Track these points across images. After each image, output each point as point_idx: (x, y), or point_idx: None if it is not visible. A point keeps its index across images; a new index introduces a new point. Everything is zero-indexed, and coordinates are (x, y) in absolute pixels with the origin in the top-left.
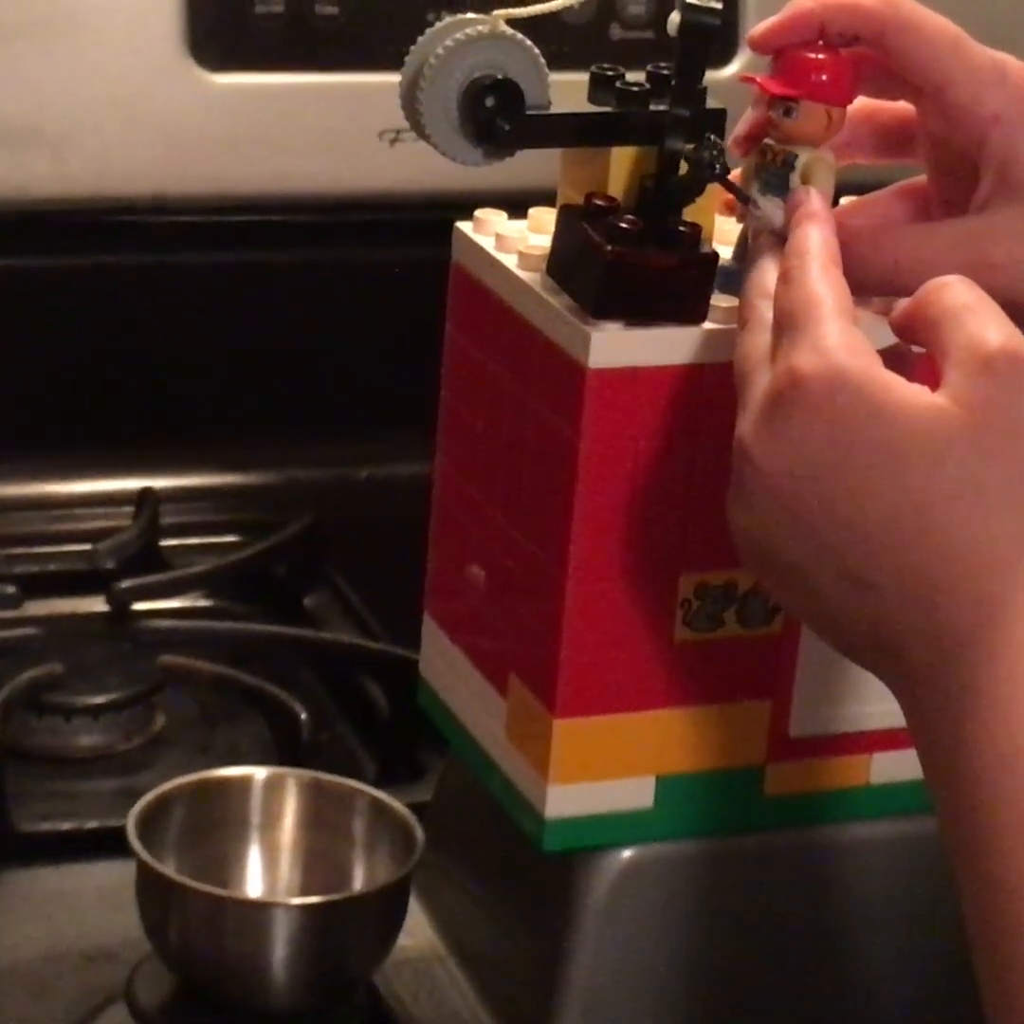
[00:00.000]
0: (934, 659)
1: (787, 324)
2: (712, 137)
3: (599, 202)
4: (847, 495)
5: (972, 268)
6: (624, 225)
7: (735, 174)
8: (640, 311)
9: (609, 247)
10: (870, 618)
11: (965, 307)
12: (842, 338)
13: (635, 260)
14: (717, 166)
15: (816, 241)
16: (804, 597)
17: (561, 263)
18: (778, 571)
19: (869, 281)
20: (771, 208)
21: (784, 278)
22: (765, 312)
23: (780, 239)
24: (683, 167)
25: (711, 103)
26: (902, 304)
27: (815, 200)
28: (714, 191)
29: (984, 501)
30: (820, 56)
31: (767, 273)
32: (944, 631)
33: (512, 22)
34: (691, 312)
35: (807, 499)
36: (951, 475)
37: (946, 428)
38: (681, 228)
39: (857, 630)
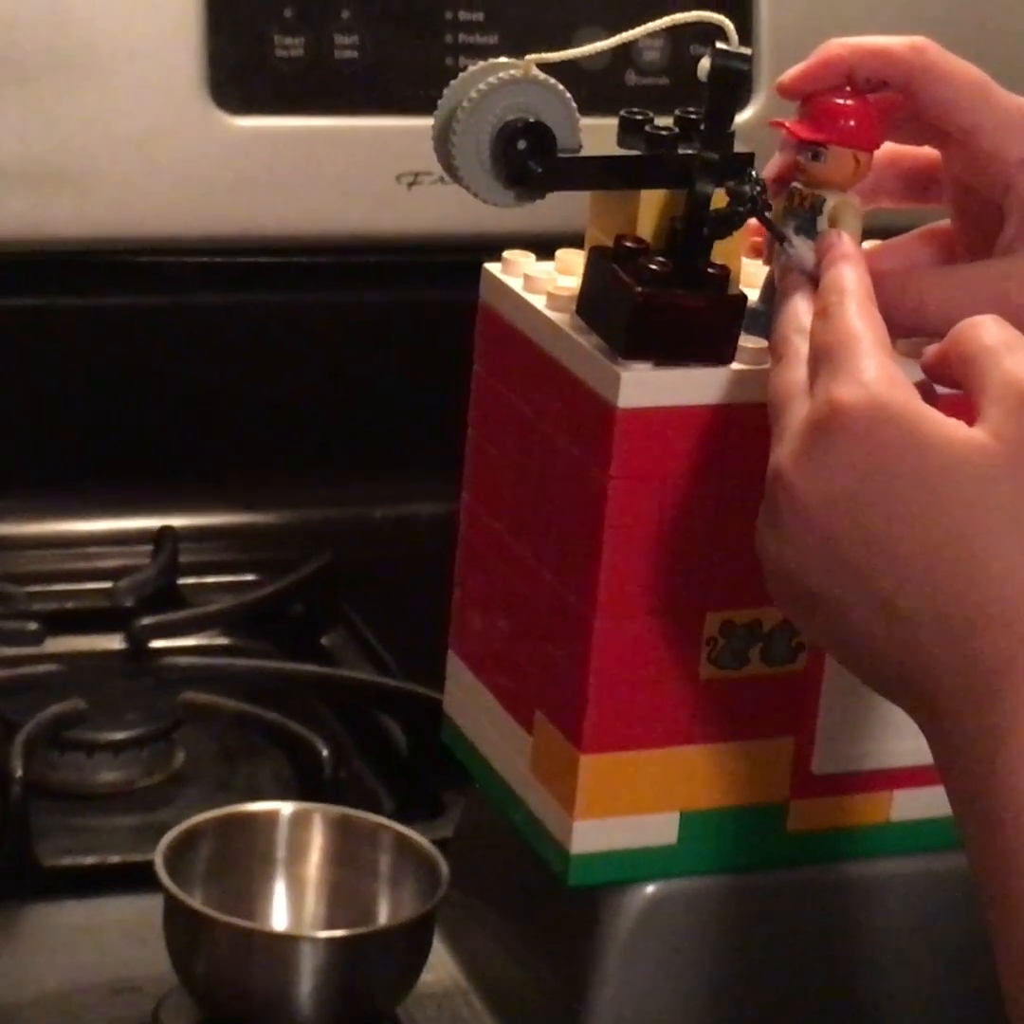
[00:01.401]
0: (967, 690)
1: (826, 357)
2: (754, 173)
3: (629, 244)
4: (885, 524)
5: (998, 309)
6: (654, 267)
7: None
8: (669, 351)
9: (639, 288)
10: (901, 649)
11: (1002, 344)
12: (882, 371)
13: (665, 301)
14: (758, 201)
15: (852, 279)
16: (833, 627)
17: (591, 304)
18: (808, 601)
19: (896, 322)
20: (804, 249)
21: (822, 314)
22: (800, 346)
23: (810, 279)
24: (718, 200)
25: (738, 147)
26: (933, 346)
27: (847, 242)
28: (741, 234)
29: (1022, 534)
30: (848, 102)
31: (801, 309)
32: (978, 662)
33: (540, 66)
34: (719, 353)
35: (844, 527)
36: (990, 507)
37: (986, 462)
38: (710, 270)
39: (887, 661)
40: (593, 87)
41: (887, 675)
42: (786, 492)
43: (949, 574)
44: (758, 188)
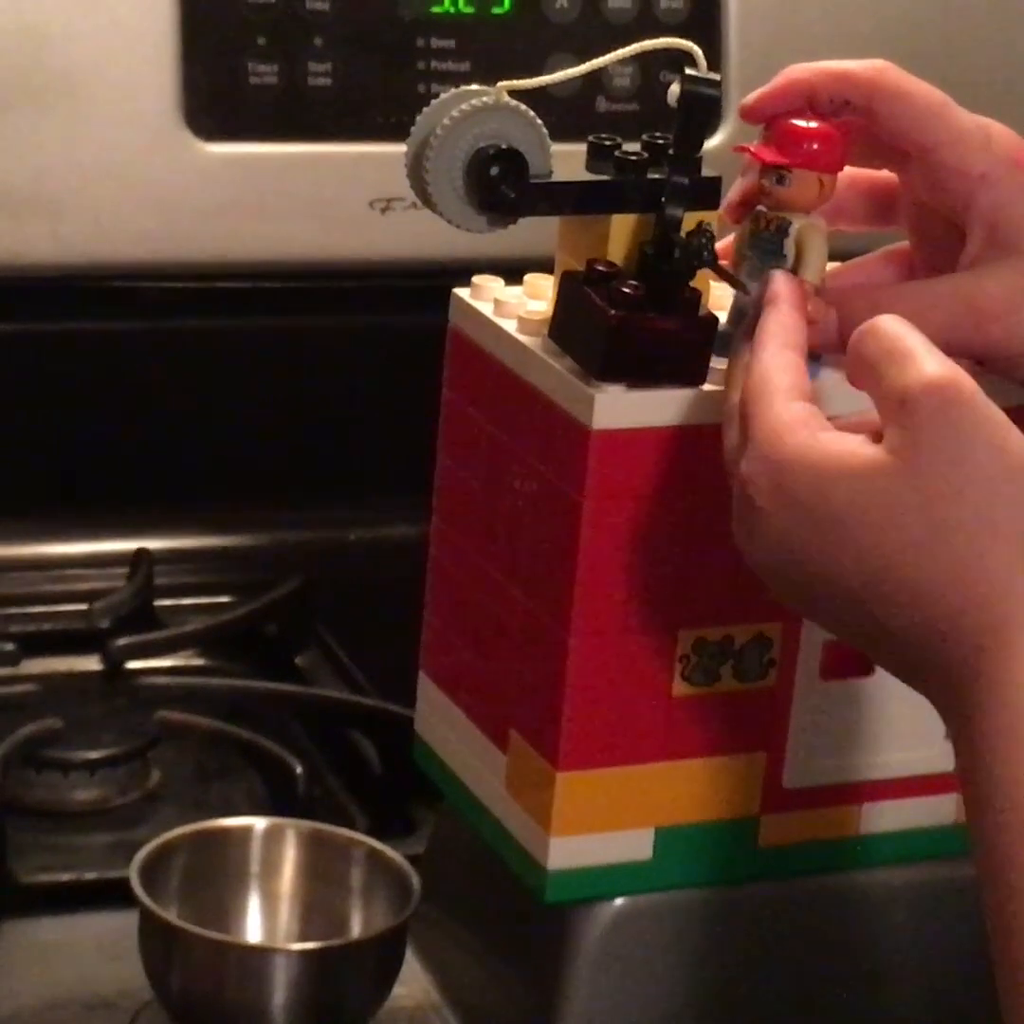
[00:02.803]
0: (947, 694)
1: (742, 416)
2: (705, 225)
3: (601, 268)
4: (827, 567)
5: (966, 322)
6: (626, 290)
7: (728, 241)
8: (642, 373)
9: (612, 312)
10: (900, 659)
11: (888, 352)
12: (778, 424)
13: (638, 324)
14: (706, 253)
15: (772, 327)
16: (849, 641)
17: (564, 327)
18: (820, 624)
19: None
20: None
21: (747, 370)
22: (736, 402)
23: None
24: (689, 224)
25: (706, 172)
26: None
27: (778, 282)
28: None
29: (947, 540)
30: (811, 125)
31: (743, 361)
32: (949, 669)
33: (511, 93)
34: (691, 374)
35: (800, 578)
36: (907, 522)
37: (888, 480)
38: (681, 293)
39: (897, 665)
40: (564, 114)
41: (903, 673)
42: (748, 557)
43: (894, 596)
44: (705, 239)
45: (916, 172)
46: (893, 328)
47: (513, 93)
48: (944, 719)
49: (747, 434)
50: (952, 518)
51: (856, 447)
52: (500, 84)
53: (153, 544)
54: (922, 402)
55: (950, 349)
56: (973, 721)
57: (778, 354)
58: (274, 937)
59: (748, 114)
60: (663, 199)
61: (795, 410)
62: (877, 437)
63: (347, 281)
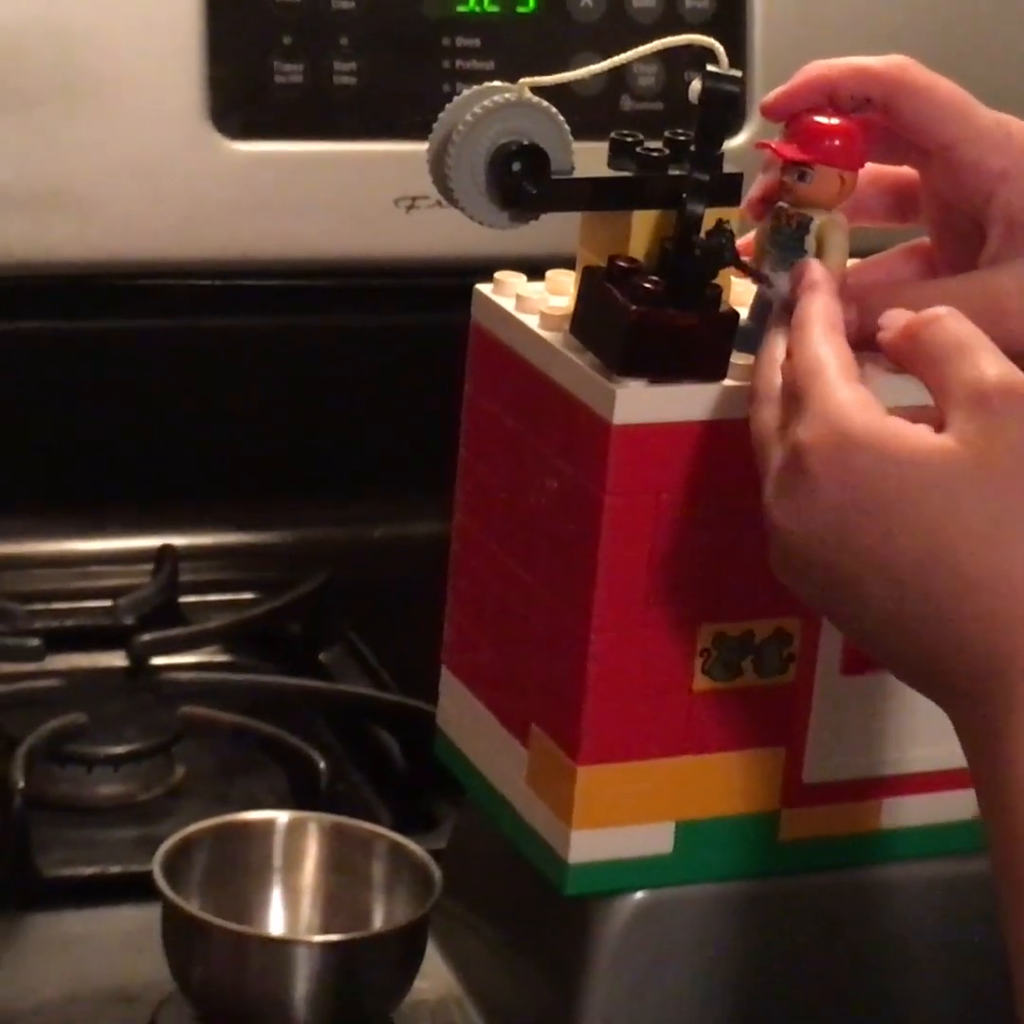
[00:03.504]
0: (973, 687)
1: (791, 396)
2: (725, 223)
3: (622, 264)
4: (874, 548)
5: (987, 318)
6: (648, 286)
7: (750, 237)
8: (663, 369)
9: (634, 307)
10: (919, 655)
11: (958, 345)
12: (843, 399)
13: (659, 320)
14: (727, 253)
15: (816, 309)
16: (864, 639)
17: (585, 323)
18: (837, 619)
19: None
20: (783, 283)
21: (790, 352)
22: (774, 381)
23: (791, 311)
24: (709, 221)
25: (728, 168)
26: (893, 324)
27: (816, 270)
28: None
29: (1003, 533)
30: (833, 122)
31: (776, 345)
32: (980, 660)
33: (534, 90)
34: (712, 369)
35: (839, 559)
36: (969, 512)
37: (956, 469)
38: (702, 289)
39: (911, 667)
40: (588, 112)
41: (916, 678)
42: (778, 535)
43: (944, 584)
44: (725, 239)
45: (936, 169)
46: (960, 322)
47: (537, 90)
48: (966, 731)
49: (803, 407)
50: (1018, 514)
51: (923, 432)
52: (522, 81)
53: (178, 541)
54: (996, 397)
55: None
56: (1011, 726)
57: (829, 335)
58: (296, 930)
59: (768, 112)
60: (684, 195)
61: (859, 390)
62: (938, 427)
63: (372, 279)
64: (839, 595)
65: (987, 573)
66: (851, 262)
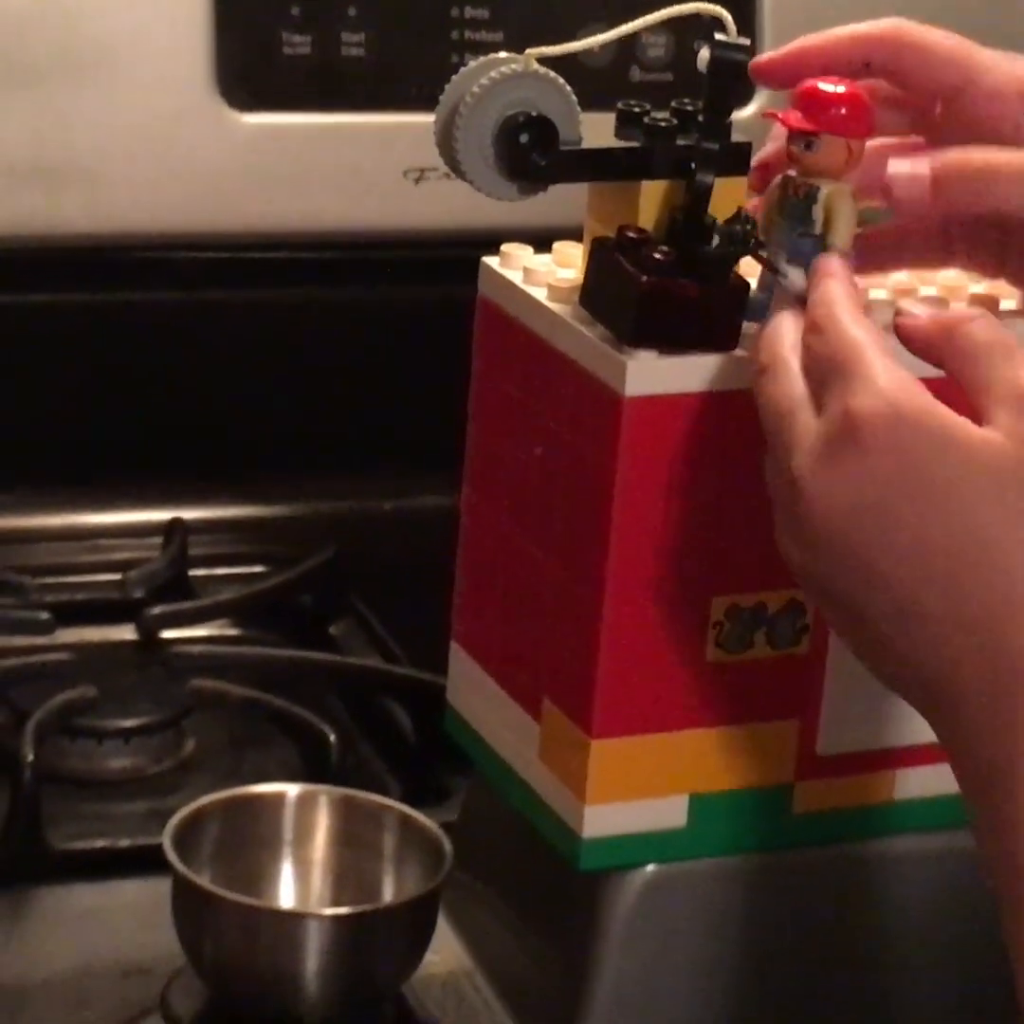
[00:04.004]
0: (986, 683)
1: (831, 368)
2: (745, 211)
3: (631, 234)
4: (909, 527)
5: None
6: (658, 256)
7: (756, 203)
8: (673, 339)
9: (644, 277)
10: (924, 649)
11: (1000, 344)
12: (893, 377)
13: (669, 289)
14: (750, 241)
15: (841, 292)
16: (856, 626)
17: (594, 293)
18: (833, 599)
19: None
20: (796, 276)
21: (814, 328)
22: (790, 359)
23: (800, 303)
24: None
25: (736, 138)
26: (913, 320)
27: (834, 262)
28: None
29: None
30: (839, 89)
31: (787, 326)
32: (1001, 656)
33: (541, 61)
34: (723, 339)
35: (870, 536)
36: (1011, 506)
37: (1003, 463)
38: (712, 259)
39: (906, 662)
40: (597, 83)
41: (905, 676)
42: (808, 505)
43: (972, 575)
44: (749, 226)
45: (953, 118)
46: (997, 325)
47: (544, 61)
48: (952, 717)
49: (850, 378)
50: None
51: (969, 424)
52: (529, 51)
53: (187, 514)
54: None
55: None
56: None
57: (859, 318)
58: (306, 903)
59: (758, 73)
60: (693, 164)
61: (907, 374)
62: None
63: (380, 251)
64: (859, 577)
65: (1013, 569)
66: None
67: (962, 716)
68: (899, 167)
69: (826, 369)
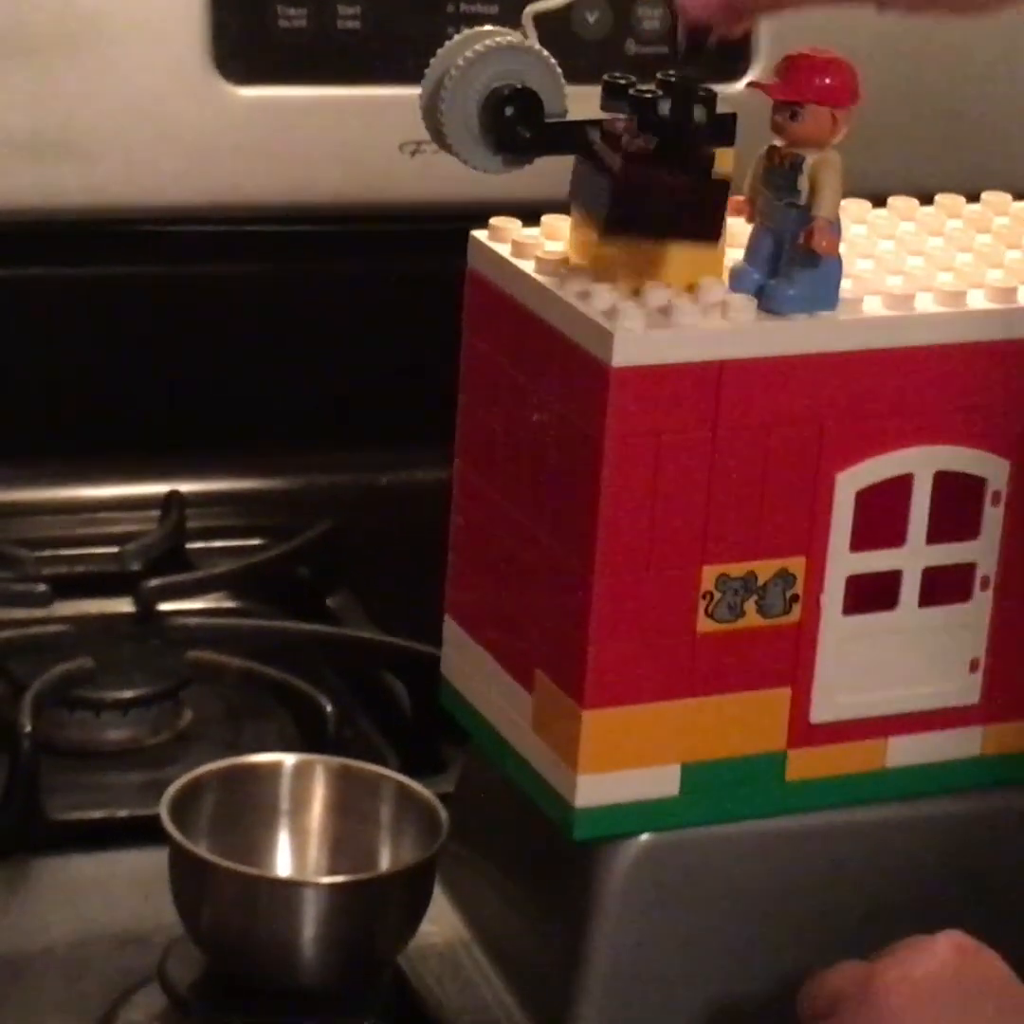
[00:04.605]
0: None
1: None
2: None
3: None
4: None
5: None
6: (639, 142)
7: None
8: (649, 228)
9: (621, 165)
10: None
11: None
12: None
13: (647, 177)
14: (734, 133)
15: None
16: None
17: (578, 184)
18: None
19: None
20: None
21: None
22: None
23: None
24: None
25: (722, 109)
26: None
27: None
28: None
29: None
30: (823, 59)
31: None
32: None
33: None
34: (705, 231)
35: None
36: None
37: None
38: (694, 153)
39: None
40: (593, 56)
41: None
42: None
43: None
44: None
45: None
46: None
47: (541, 33)
48: None
49: None
50: None
51: None
52: (527, 9)
53: (185, 487)
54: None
55: None
56: None
57: None
58: (304, 872)
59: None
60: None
61: None
62: None
63: (376, 224)
64: None
65: None
66: (847, 201)
67: None
68: None
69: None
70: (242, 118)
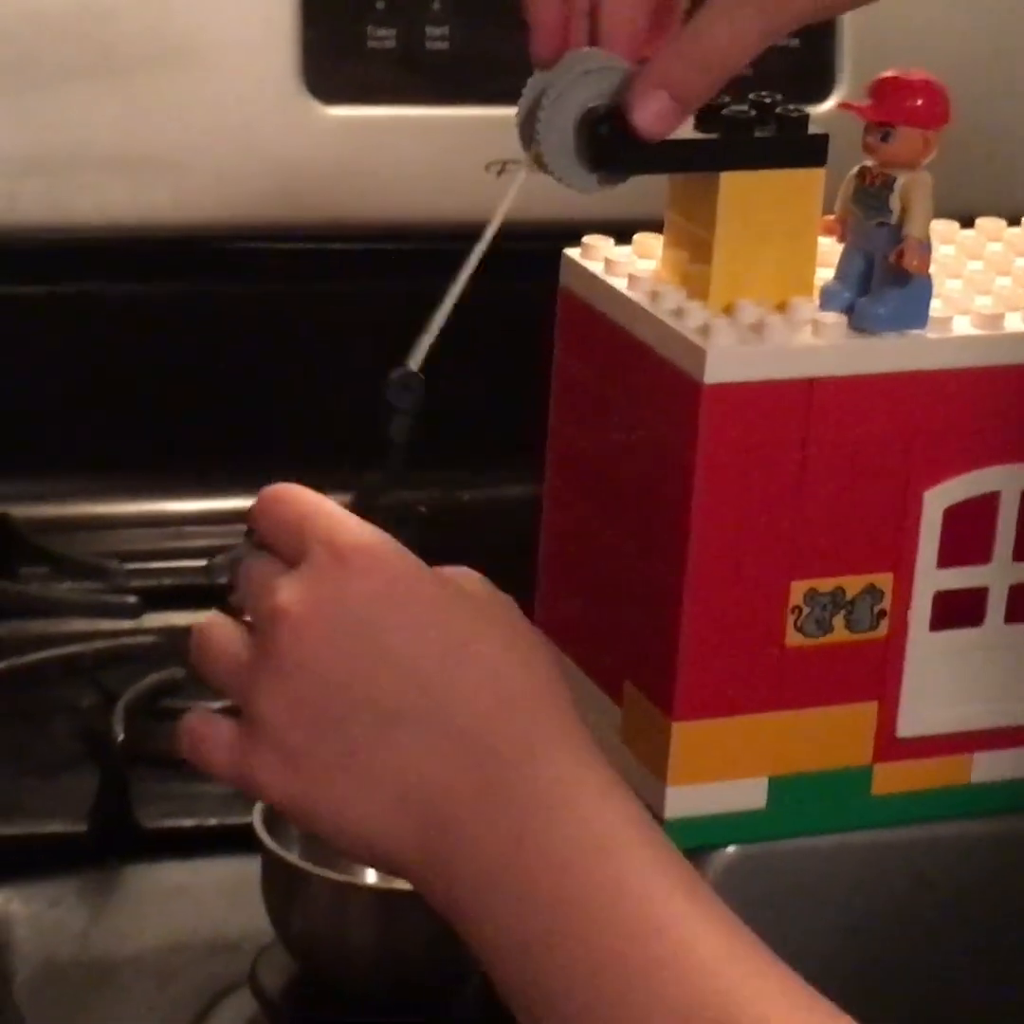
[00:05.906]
0: (478, 788)
1: (298, 522)
2: None
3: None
4: (400, 631)
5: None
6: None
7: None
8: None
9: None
10: (402, 752)
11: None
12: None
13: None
14: None
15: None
16: (336, 753)
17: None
18: (314, 729)
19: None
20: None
21: (274, 497)
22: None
23: None
24: None
25: (814, 130)
26: None
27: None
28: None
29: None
30: (915, 81)
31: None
32: (489, 758)
33: None
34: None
35: (355, 642)
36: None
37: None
38: None
39: (389, 779)
40: None
41: (388, 792)
42: (293, 632)
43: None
44: None
45: None
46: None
47: None
48: (451, 837)
49: (329, 515)
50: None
51: None
52: None
53: None
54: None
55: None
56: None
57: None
58: (394, 880)
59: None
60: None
61: None
62: None
63: (463, 243)
64: (343, 693)
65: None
66: (936, 222)
67: (457, 821)
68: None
69: (295, 525)
70: (331, 137)
